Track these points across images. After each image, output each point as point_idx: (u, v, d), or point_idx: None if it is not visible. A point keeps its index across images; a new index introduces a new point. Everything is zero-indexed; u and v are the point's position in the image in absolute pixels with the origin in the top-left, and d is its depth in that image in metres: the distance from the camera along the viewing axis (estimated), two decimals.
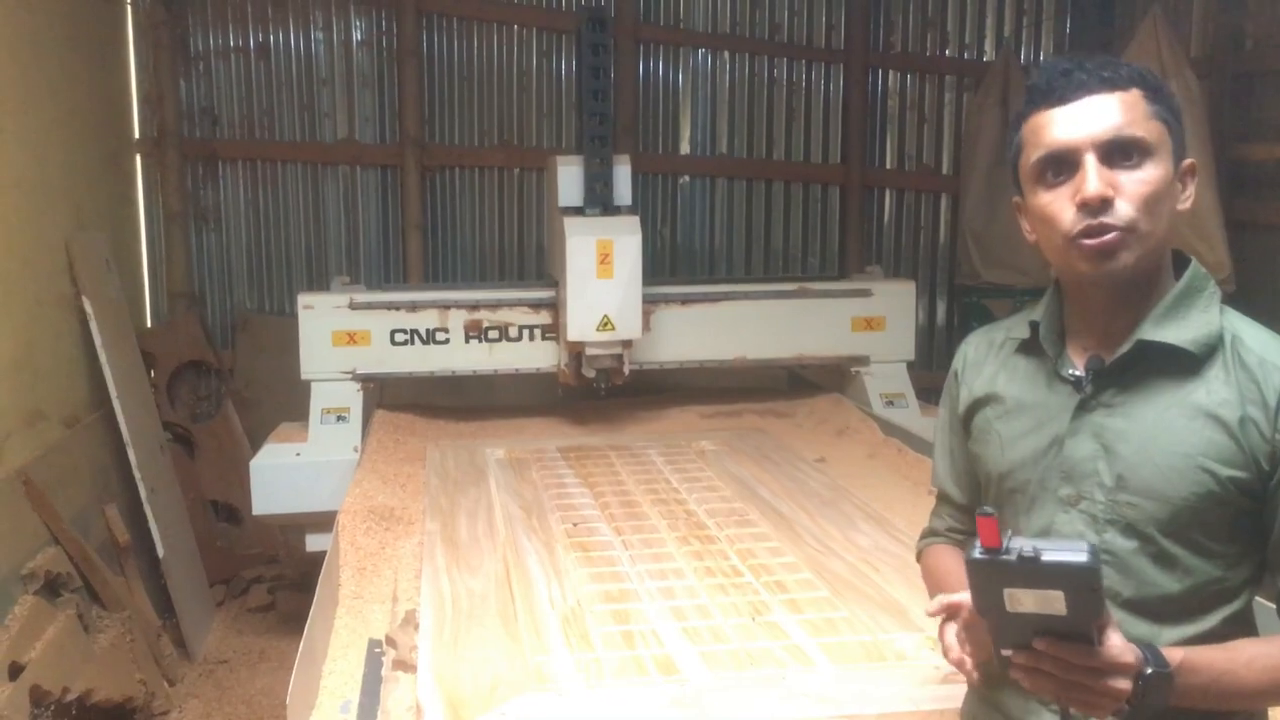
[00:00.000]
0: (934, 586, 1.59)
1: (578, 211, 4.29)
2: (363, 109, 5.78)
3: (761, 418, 4.60)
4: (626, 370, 4.31)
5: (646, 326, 4.36)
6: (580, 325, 4.17)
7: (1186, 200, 1.37)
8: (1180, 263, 1.41)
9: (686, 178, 6.14)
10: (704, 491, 3.48)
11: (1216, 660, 1.28)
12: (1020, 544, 1.17)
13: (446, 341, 4.44)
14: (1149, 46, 4.77)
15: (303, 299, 4.39)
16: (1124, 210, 1.30)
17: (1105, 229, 1.30)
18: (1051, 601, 1.16)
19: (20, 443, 3.76)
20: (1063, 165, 1.33)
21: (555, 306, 4.43)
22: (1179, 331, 1.34)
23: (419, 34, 5.70)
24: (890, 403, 4.53)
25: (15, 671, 3.19)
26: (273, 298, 5.83)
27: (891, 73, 6.25)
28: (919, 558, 1.73)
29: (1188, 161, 1.37)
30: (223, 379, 5.57)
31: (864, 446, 4.09)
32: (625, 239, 4.16)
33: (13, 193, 3.88)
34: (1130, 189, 1.30)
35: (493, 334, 4.46)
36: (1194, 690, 1.26)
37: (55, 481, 3.89)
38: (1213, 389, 1.33)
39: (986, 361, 1.55)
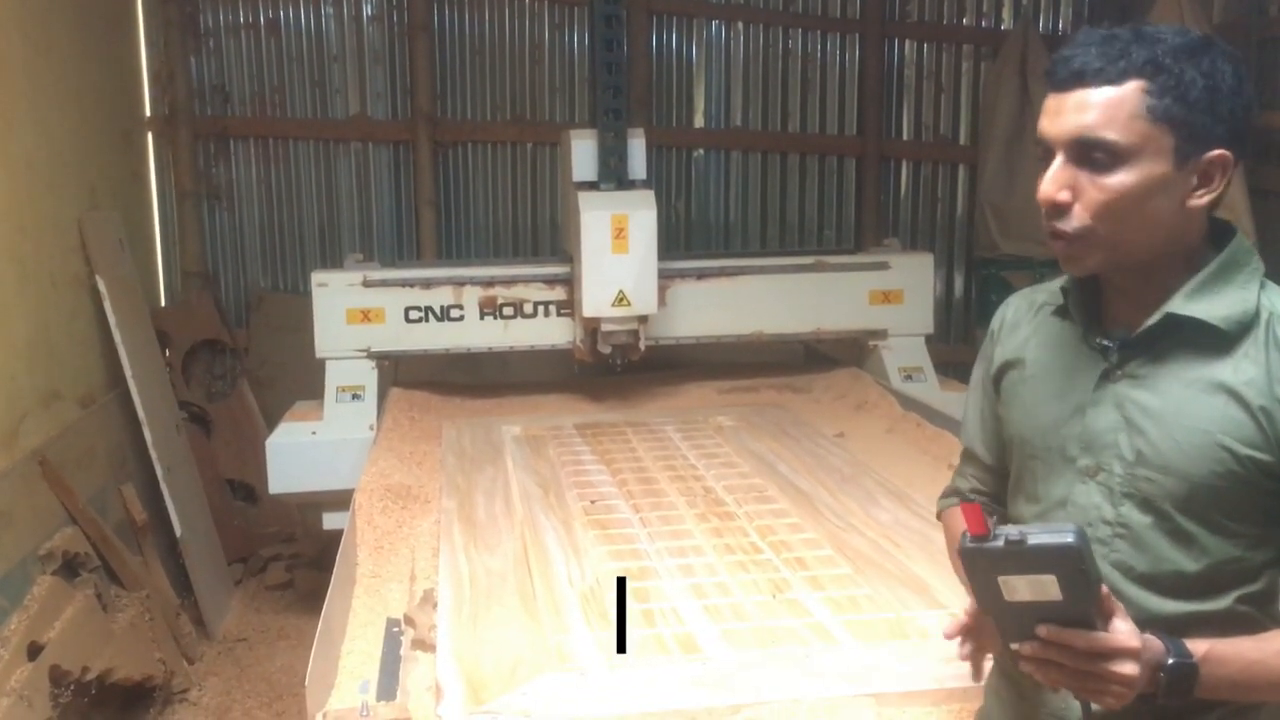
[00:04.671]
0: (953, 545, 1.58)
1: (592, 186, 4.25)
2: (374, 85, 5.74)
3: (779, 393, 4.57)
4: (642, 346, 4.28)
5: (662, 302, 4.33)
6: (595, 301, 4.14)
7: (1206, 195, 1.28)
8: (1226, 233, 1.36)
9: (701, 151, 6.08)
10: (722, 468, 3.45)
11: (1246, 651, 1.24)
12: (1007, 529, 1.16)
13: (461, 318, 4.41)
14: (1171, 12, 4.69)
15: (316, 277, 4.37)
16: (1078, 217, 1.28)
17: (1058, 234, 1.29)
18: (1046, 587, 1.16)
19: (36, 423, 3.75)
20: (1047, 154, 1.30)
21: (570, 282, 4.40)
22: (1211, 307, 1.30)
23: (430, 8, 5.65)
24: (909, 377, 4.49)
25: (34, 651, 3.20)
26: (286, 276, 5.82)
27: (908, 42, 6.17)
28: (939, 517, 1.72)
29: (1213, 154, 1.26)
30: (237, 358, 5.56)
31: (883, 421, 4.05)
32: (640, 213, 4.12)
33: (25, 172, 3.86)
34: (1090, 194, 1.26)
35: (507, 310, 4.43)
36: (1222, 682, 1.23)
37: (72, 462, 3.90)
38: (1240, 367, 1.28)
39: (1023, 323, 1.51)
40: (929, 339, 4.69)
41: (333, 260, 5.58)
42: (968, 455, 1.65)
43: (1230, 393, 1.28)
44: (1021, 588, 1.17)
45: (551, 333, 4.47)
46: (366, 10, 5.69)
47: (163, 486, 4.41)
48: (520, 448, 3.75)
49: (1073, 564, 1.15)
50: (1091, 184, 1.26)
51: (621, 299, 4.13)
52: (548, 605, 2.38)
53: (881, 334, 4.64)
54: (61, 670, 3.26)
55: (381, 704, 1.97)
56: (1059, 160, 1.28)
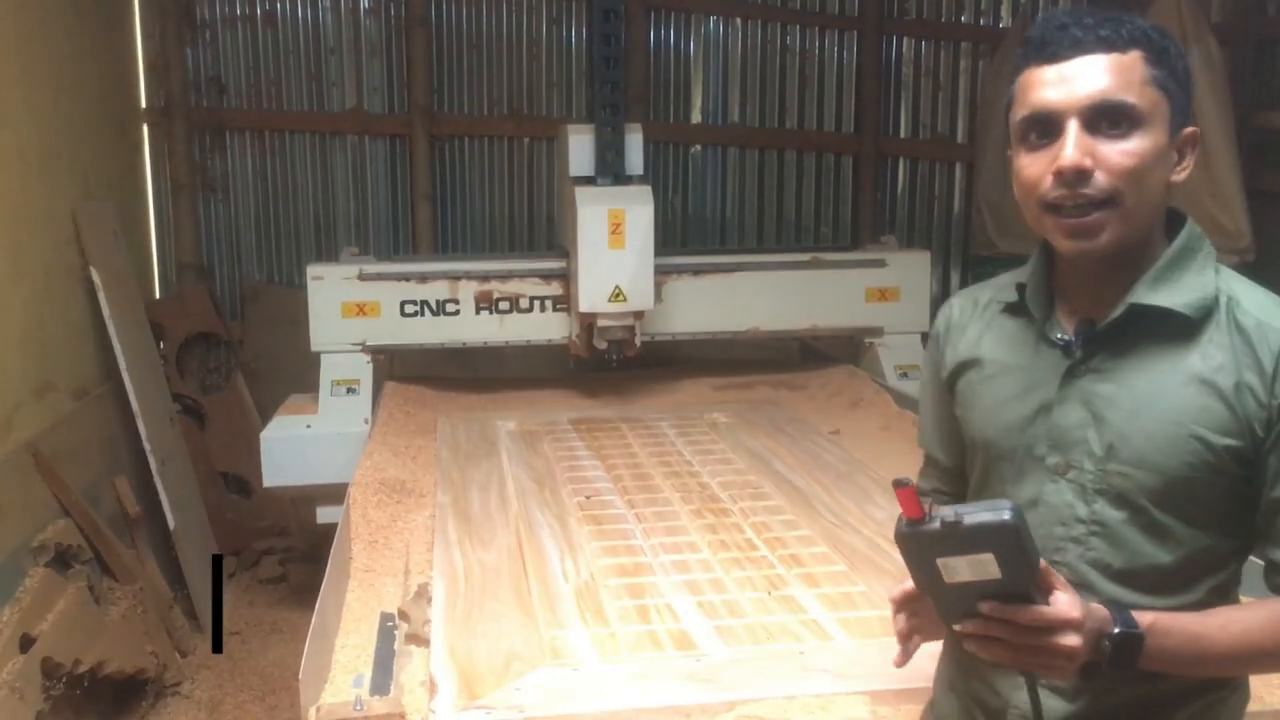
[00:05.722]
0: None
1: (589, 181, 4.24)
2: (371, 78, 5.73)
3: (774, 390, 4.57)
4: (638, 341, 4.28)
5: (658, 297, 4.32)
6: (592, 296, 4.13)
7: (1182, 172, 1.30)
8: (1177, 222, 1.36)
9: (698, 147, 6.08)
10: (717, 464, 3.45)
11: (1190, 624, 1.25)
12: (942, 511, 1.16)
13: (457, 313, 4.40)
14: (1169, 11, 4.68)
15: (312, 270, 4.36)
16: (1102, 182, 1.24)
17: (1082, 203, 1.25)
18: (985, 566, 1.15)
19: (30, 415, 3.74)
20: (1046, 128, 1.28)
21: (566, 277, 4.39)
22: (1173, 295, 1.29)
23: (427, 1, 5.63)
24: (904, 374, 4.48)
25: (26, 644, 3.19)
26: (281, 269, 5.80)
27: (906, 39, 6.17)
28: None
29: (1189, 130, 1.30)
30: (232, 351, 5.55)
31: (878, 419, 4.05)
32: (637, 209, 4.11)
33: (19, 163, 3.84)
34: (1112, 160, 1.24)
35: (503, 305, 4.43)
36: (1166, 653, 1.23)
37: (65, 453, 3.88)
38: (1208, 354, 1.28)
39: (971, 323, 1.50)
40: (925, 337, 4.68)
41: (328, 253, 5.56)
42: (928, 458, 1.65)
43: (1202, 382, 1.27)
44: (961, 568, 1.17)
45: (547, 328, 4.46)
46: (363, 3, 5.67)
47: (156, 479, 4.40)
48: (515, 443, 3.75)
49: (1010, 541, 1.14)
50: (1112, 150, 1.24)
51: (618, 294, 4.12)
52: (542, 600, 2.37)
53: (878, 331, 4.64)
54: (53, 663, 3.25)
55: (375, 698, 1.97)
56: (1075, 127, 1.25)
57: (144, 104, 5.50)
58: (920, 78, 6.19)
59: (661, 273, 4.34)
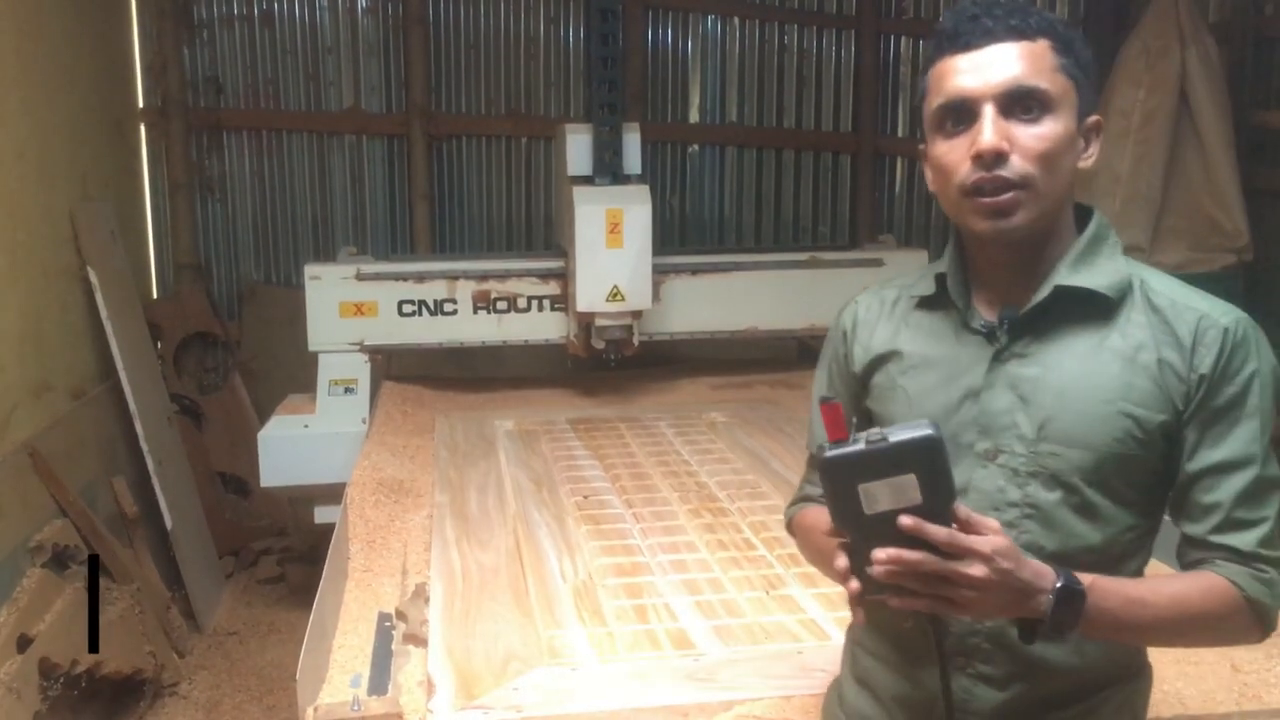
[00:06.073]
0: (816, 543, 1.52)
1: (587, 181, 4.24)
2: (368, 77, 5.72)
3: (772, 389, 4.57)
4: (636, 341, 4.28)
5: (656, 297, 4.32)
6: (589, 296, 4.13)
7: (1089, 158, 1.36)
8: (1083, 214, 1.41)
9: (696, 146, 6.07)
10: (715, 464, 3.45)
11: (1128, 588, 1.28)
12: (867, 432, 1.18)
13: (454, 312, 4.40)
14: (1167, 12, 4.67)
15: (309, 270, 4.35)
16: (1018, 166, 1.28)
17: (999, 185, 1.28)
18: (906, 490, 1.16)
19: (27, 415, 3.74)
20: (962, 115, 1.32)
21: (564, 277, 4.39)
22: (1093, 277, 1.34)
23: (424, 1, 5.63)
24: None
25: (24, 644, 3.19)
26: (279, 269, 5.79)
27: (904, 39, 6.16)
28: (789, 526, 1.68)
29: (1093, 118, 1.35)
30: (230, 350, 5.55)
31: None
32: (635, 208, 4.11)
33: (16, 163, 3.84)
34: (1026, 144, 1.28)
35: (501, 305, 4.42)
36: (1105, 615, 1.24)
37: (62, 454, 3.88)
38: (1127, 333, 1.33)
39: (880, 322, 1.52)
40: None
41: (326, 253, 5.56)
42: (815, 461, 1.61)
43: (1125, 360, 1.32)
44: (882, 495, 1.17)
45: (545, 327, 4.46)
46: (361, 2, 5.66)
47: (154, 479, 4.40)
48: (513, 442, 3.75)
49: (932, 456, 1.16)
50: (1025, 134, 1.29)
51: (616, 294, 4.12)
52: (540, 600, 2.37)
53: None
54: (51, 663, 3.25)
55: (373, 698, 1.96)
56: (991, 112, 1.29)
57: (141, 104, 5.49)
58: (917, 77, 6.18)
59: (659, 272, 4.34)
